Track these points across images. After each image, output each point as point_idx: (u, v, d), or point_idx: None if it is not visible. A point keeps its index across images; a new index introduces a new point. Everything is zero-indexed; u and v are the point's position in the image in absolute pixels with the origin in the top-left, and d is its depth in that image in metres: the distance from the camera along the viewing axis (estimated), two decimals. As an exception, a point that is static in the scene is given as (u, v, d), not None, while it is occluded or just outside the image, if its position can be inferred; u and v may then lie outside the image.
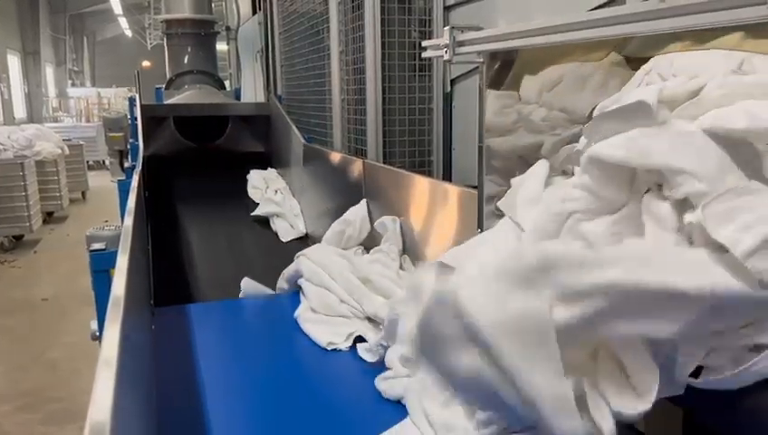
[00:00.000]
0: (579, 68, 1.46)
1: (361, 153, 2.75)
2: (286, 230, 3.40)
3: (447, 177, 2.62)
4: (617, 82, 1.30)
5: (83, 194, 10.75)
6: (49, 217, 8.86)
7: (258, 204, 3.65)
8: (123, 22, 23.34)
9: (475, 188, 1.57)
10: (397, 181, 2.22)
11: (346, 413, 1.48)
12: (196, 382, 1.74)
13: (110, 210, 8.86)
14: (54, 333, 4.90)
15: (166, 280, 2.64)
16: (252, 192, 3.85)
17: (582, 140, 1.11)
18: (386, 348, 1.57)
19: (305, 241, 3.29)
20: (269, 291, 2.41)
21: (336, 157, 2.90)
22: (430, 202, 2.02)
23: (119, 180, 2.53)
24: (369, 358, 1.64)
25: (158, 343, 2.11)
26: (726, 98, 0.95)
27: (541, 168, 1.33)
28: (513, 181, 1.38)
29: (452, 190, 1.87)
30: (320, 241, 2.82)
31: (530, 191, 1.28)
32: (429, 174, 2.57)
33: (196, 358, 1.91)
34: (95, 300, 1.67)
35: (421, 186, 2.07)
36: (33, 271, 6.80)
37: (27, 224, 7.47)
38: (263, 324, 2.25)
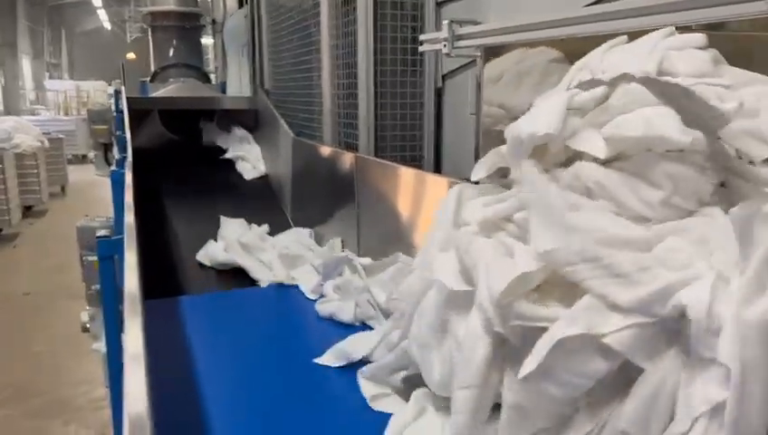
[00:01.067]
0: (516, 65, 1.49)
1: (352, 147, 2.76)
2: (249, 170, 4.16)
3: (438, 170, 2.65)
4: (554, 80, 1.31)
5: (63, 188, 10.62)
6: (28, 211, 8.74)
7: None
8: (102, 14, 23.02)
9: (466, 180, 1.59)
10: (388, 174, 2.24)
11: (340, 402, 1.50)
12: (188, 373, 1.75)
13: (90, 204, 8.77)
14: (37, 327, 4.85)
15: (153, 273, 2.63)
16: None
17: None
18: (322, 285, 2.16)
19: (266, 179, 4.11)
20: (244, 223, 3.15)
21: (327, 150, 2.91)
22: (421, 194, 2.05)
23: (112, 171, 2.51)
24: (313, 296, 2.21)
25: (150, 335, 2.11)
26: (630, 105, 0.99)
27: (451, 200, 1.27)
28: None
29: (443, 182, 1.89)
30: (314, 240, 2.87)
31: (438, 239, 1.23)
32: (420, 167, 2.59)
33: (187, 349, 1.93)
34: (100, 286, 1.67)
35: (412, 178, 2.09)
36: (13, 265, 6.71)
37: (6, 218, 7.39)
38: (252, 315, 2.27)
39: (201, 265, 2.87)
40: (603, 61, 1.10)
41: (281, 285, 2.45)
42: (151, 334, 1.97)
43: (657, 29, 1.15)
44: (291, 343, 1.96)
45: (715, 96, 0.91)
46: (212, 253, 2.94)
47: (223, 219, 3.19)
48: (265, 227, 3.04)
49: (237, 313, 2.27)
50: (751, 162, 0.92)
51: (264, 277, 2.54)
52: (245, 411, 1.50)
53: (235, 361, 1.87)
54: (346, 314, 1.94)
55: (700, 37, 1.05)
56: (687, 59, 0.99)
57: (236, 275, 2.76)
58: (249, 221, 3.18)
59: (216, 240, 3.02)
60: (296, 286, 2.40)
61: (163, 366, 1.82)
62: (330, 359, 1.63)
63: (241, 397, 1.58)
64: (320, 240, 2.88)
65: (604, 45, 1.15)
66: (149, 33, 5.77)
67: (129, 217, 1.60)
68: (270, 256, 2.67)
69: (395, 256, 1.93)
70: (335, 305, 2.01)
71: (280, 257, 2.54)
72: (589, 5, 1.60)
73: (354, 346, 1.65)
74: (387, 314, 1.74)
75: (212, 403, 1.53)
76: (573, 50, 1.33)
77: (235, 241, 2.86)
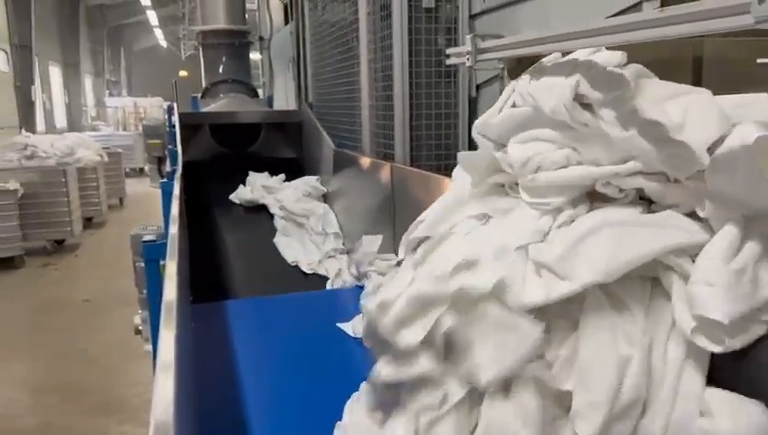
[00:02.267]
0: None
1: (389, 157, 2.84)
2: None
3: (472, 179, 2.70)
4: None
5: (121, 200, 11.07)
6: (89, 223, 9.14)
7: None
8: (159, 33, 23.97)
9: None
10: (423, 183, 2.31)
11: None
12: (233, 375, 1.84)
13: (146, 215, 9.13)
14: (94, 331, 5.10)
15: (202, 278, 2.77)
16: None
17: None
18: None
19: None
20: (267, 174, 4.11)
21: (365, 161, 3.00)
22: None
23: (161, 183, 2.67)
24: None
25: (198, 338, 2.23)
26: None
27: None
28: None
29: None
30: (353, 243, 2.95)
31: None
32: (455, 176, 2.65)
33: (234, 352, 2.02)
34: (146, 289, 1.79)
35: (448, 186, 2.15)
36: (74, 274, 7.05)
37: (69, 229, 7.72)
38: (296, 319, 2.34)
39: (233, 204, 3.95)
40: (529, 86, 1.16)
41: (324, 291, 2.54)
42: (198, 337, 2.09)
43: (676, 38, 1.19)
44: (332, 345, 2.02)
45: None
46: (241, 194, 3.98)
47: (251, 173, 4.12)
48: (282, 176, 4.09)
49: (281, 317, 2.36)
50: (676, 180, 0.95)
51: (278, 213, 3.63)
52: (284, 415, 1.56)
53: (278, 364, 1.95)
54: None
55: (619, 55, 1.08)
56: (600, 83, 1.02)
57: (281, 282, 2.88)
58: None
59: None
60: (339, 291, 2.48)
61: (208, 367, 1.93)
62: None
63: (281, 400, 1.64)
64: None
65: (533, 66, 1.20)
66: (201, 50, 6.00)
67: (173, 229, 1.67)
68: (283, 195, 3.74)
69: None
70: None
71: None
72: (611, 17, 1.65)
73: None
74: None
75: (253, 406, 1.59)
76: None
77: (259, 185, 3.96)
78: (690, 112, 0.94)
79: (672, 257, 0.90)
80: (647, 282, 0.95)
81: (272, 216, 3.73)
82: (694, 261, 0.88)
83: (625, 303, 0.93)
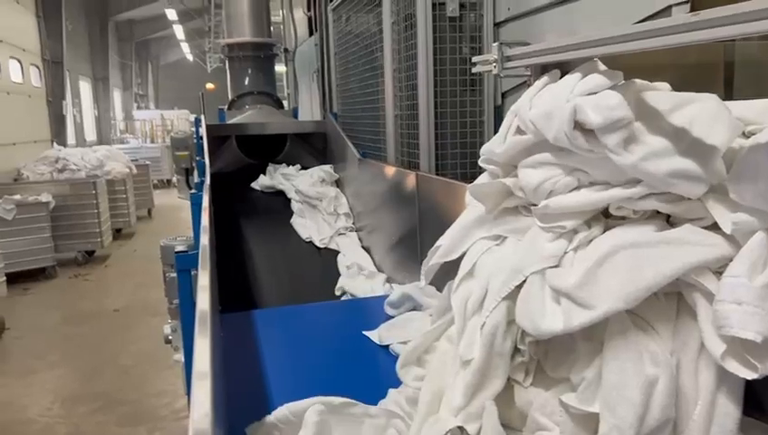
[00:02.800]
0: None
1: (414, 166, 2.85)
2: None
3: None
4: None
5: (149, 211, 11.25)
6: (118, 234, 9.30)
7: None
8: (185, 47, 24.38)
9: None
10: (449, 192, 2.30)
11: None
12: (262, 382, 1.85)
13: (174, 226, 9.26)
14: (125, 341, 5.17)
15: (230, 288, 2.80)
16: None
17: None
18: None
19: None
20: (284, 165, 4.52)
21: (390, 170, 3.01)
22: (481, 211, 2.09)
23: (191, 194, 2.71)
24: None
25: (227, 347, 2.26)
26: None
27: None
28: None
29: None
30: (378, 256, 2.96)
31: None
32: (481, 185, 2.64)
33: (262, 360, 2.04)
34: (177, 299, 1.81)
35: (473, 195, 2.14)
36: (104, 284, 7.17)
37: (99, 240, 7.87)
38: (325, 328, 2.35)
39: (253, 190, 4.33)
40: (531, 108, 1.13)
41: (349, 300, 2.55)
42: (228, 346, 2.11)
43: (708, 42, 1.17)
44: (358, 353, 2.03)
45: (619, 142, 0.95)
46: (261, 181, 4.36)
47: (270, 164, 4.48)
48: (297, 166, 4.43)
49: (308, 325, 2.37)
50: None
51: (294, 197, 4.03)
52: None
53: (305, 372, 1.96)
54: None
55: (615, 75, 1.06)
56: (598, 108, 0.98)
57: (309, 292, 2.89)
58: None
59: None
60: (364, 300, 2.48)
61: (238, 376, 1.95)
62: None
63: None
64: (383, 256, 2.97)
65: (531, 89, 1.18)
66: (227, 63, 6.08)
67: (204, 239, 1.67)
68: (299, 181, 4.11)
69: None
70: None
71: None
72: (639, 23, 1.63)
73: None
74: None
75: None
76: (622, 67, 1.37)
77: (278, 174, 4.35)
78: (696, 123, 0.92)
79: (692, 276, 0.87)
80: (672, 298, 0.92)
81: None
82: (719, 275, 0.85)
83: (649, 322, 0.91)
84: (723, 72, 1.65)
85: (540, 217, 1.10)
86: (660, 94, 1.02)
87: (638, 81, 1.06)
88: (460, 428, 1.08)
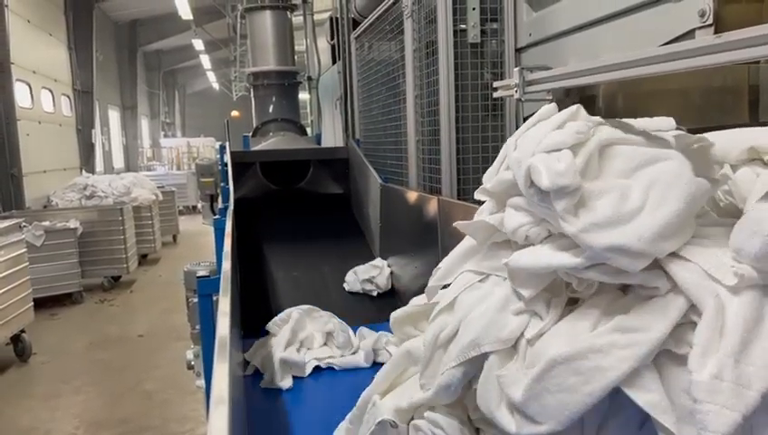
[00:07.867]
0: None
1: (436, 191, 2.85)
2: None
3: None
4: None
5: (174, 237, 11.39)
6: (143, 259, 9.41)
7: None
8: (211, 76, 24.89)
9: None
10: (470, 217, 2.29)
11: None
12: (282, 409, 1.85)
13: (198, 252, 9.35)
14: (149, 366, 5.20)
15: (252, 312, 2.81)
16: None
17: None
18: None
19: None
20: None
21: (412, 195, 3.01)
22: (504, 236, 2.08)
23: (215, 219, 2.74)
24: None
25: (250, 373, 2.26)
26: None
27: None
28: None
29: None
30: (401, 281, 2.94)
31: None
32: (503, 210, 2.63)
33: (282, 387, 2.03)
34: (199, 324, 1.82)
35: (495, 220, 2.13)
36: (130, 309, 7.25)
37: (125, 265, 7.97)
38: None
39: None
40: (516, 148, 1.12)
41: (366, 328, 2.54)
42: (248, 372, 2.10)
43: (731, 63, 1.16)
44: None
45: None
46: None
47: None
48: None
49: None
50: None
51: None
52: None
53: (323, 397, 1.95)
54: None
55: (583, 126, 1.04)
56: (548, 171, 0.97)
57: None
58: (340, 263, 3.36)
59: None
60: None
61: (257, 403, 1.94)
62: None
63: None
64: (407, 282, 2.95)
65: (524, 126, 1.17)
66: (251, 91, 6.18)
67: (226, 265, 1.68)
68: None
69: None
70: None
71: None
72: (663, 45, 1.62)
73: None
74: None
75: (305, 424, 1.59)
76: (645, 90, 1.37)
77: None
78: (654, 189, 0.91)
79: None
80: None
81: (320, 247, 3.84)
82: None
83: None
84: (747, 96, 1.63)
85: (509, 273, 1.09)
86: (626, 150, 1.01)
87: (606, 128, 1.05)
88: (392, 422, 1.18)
